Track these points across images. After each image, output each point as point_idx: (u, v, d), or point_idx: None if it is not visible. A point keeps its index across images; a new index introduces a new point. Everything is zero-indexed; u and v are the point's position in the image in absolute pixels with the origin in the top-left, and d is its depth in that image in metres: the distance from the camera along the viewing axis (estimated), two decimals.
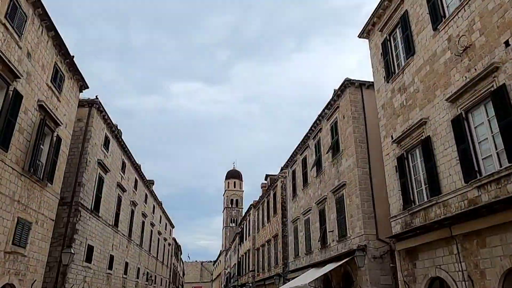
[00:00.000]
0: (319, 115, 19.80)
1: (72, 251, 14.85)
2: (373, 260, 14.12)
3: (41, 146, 12.69)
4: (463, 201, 9.05)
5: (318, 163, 19.93)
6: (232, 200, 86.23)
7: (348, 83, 16.73)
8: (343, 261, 14.78)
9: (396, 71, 12.70)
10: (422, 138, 10.85)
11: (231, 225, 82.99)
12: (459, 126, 9.32)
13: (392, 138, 12.53)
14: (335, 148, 17.78)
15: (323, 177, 19.07)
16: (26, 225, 11.75)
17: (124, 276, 23.92)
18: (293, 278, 21.64)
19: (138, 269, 27.98)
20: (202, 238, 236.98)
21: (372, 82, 16.11)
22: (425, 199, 10.61)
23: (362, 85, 16.73)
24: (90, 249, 17.76)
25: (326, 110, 19.01)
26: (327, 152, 18.64)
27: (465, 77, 9.20)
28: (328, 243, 17.70)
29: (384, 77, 13.45)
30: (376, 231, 14.49)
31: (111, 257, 21.10)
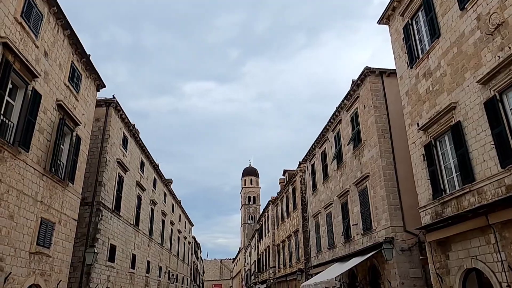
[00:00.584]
0: (338, 107, 19.37)
1: (96, 251, 14.85)
2: (401, 253, 13.68)
3: (61, 146, 12.65)
4: (500, 188, 8.57)
5: (338, 156, 19.52)
6: (249, 197, 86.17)
7: (368, 72, 16.26)
8: (370, 254, 14.38)
9: (420, 56, 12.20)
10: (452, 123, 10.36)
11: (249, 222, 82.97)
12: (493, 109, 8.82)
13: (418, 125, 12.05)
14: (356, 140, 17.35)
15: (344, 169, 18.65)
16: (49, 225, 11.74)
17: (147, 275, 23.97)
18: (316, 274, 21.31)
19: (160, 267, 28.05)
20: (220, 237, 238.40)
21: (393, 69, 15.64)
22: (457, 187, 10.14)
23: (383, 73, 16.24)
24: (112, 249, 17.77)
25: (345, 101, 18.56)
26: (347, 144, 18.21)
27: (498, 56, 8.70)
28: (352, 237, 17.32)
29: (407, 63, 12.96)
30: (403, 223, 14.05)
31: (133, 256, 21.12)
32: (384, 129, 15.47)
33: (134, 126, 21.03)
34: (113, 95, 17.97)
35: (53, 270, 12.02)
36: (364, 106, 16.66)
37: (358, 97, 17.26)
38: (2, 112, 9.29)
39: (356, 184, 17.02)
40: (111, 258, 17.62)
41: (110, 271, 17.40)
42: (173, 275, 33.20)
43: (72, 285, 14.59)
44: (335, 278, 14.46)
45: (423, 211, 11.76)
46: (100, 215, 16.32)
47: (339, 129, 19.68)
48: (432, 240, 11.06)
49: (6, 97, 9.52)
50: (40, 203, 11.24)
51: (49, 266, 11.80)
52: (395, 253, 13.55)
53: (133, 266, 20.95)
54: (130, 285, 20.42)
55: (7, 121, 9.65)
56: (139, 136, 22.09)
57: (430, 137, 11.41)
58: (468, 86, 9.80)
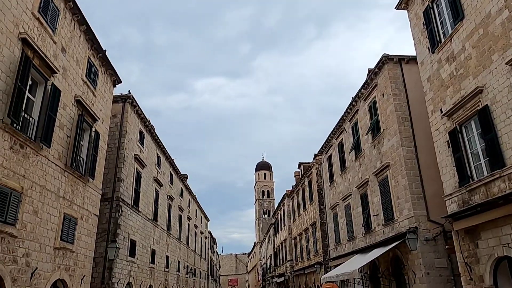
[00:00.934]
0: (355, 96, 19.08)
1: (118, 246, 14.91)
2: (426, 243, 13.42)
3: (81, 142, 12.68)
4: None
5: (356, 146, 19.24)
6: (263, 191, 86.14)
7: (386, 59, 15.92)
8: (392, 245, 14.14)
9: (442, 40, 11.84)
10: (479, 108, 10.03)
11: (263, 216, 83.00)
12: None
13: (442, 112, 11.73)
14: (375, 129, 17.06)
15: (363, 160, 18.38)
16: (72, 221, 11.79)
17: (166, 269, 24.10)
18: (336, 266, 21.13)
19: (179, 262, 28.19)
20: (234, 232, 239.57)
21: (412, 56, 15.33)
22: (486, 174, 9.83)
23: (401, 60, 15.88)
24: (133, 244, 17.86)
25: (362, 90, 18.25)
26: (366, 134, 17.92)
27: None
28: (373, 228, 17.08)
29: (429, 48, 12.60)
30: (427, 212, 13.78)
31: (153, 251, 21.23)
32: (404, 117, 15.15)
33: (149, 121, 21.04)
34: (128, 91, 18.00)
35: (77, 265, 12.10)
36: (383, 94, 16.33)
37: (376, 85, 16.94)
38: (23, 108, 9.30)
39: (376, 174, 16.75)
40: (132, 253, 17.71)
41: (131, 266, 17.51)
42: (191, 269, 33.39)
43: (95, 280, 14.69)
44: (358, 269, 14.24)
45: (449, 199, 11.47)
46: (120, 211, 16.38)
47: (357, 119, 19.38)
48: (460, 228, 10.78)
49: (27, 93, 9.53)
50: (62, 198, 11.29)
51: (73, 261, 11.88)
52: (419, 243, 13.28)
53: (153, 261, 21.07)
54: (151, 280, 20.55)
55: (28, 117, 9.68)
56: (155, 131, 22.09)
57: (455, 123, 11.09)
58: (496, 68, 9.45)
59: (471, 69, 10.40)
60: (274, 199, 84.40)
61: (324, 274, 23.45)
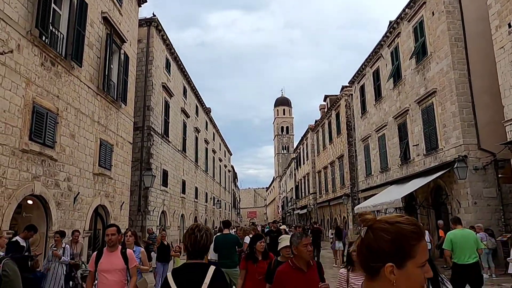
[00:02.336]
0: (397, 18, 17.41)
1: (153, 174, 14.72)
2: (474, 172, 12.72)
3: (111, 65, 11.89)
4: None
5: (396, 73, 17.95)
6: (282, 127, 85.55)
7: None
8: (437, 174, 13.53)
9: None
10: None
11: (282, 152, 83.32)
12: None
13: (510, 26, 10.37)
14: (420, 52, 15.67)
15: (403, 87, 17.21)
16: (108, 147, 11.40)
17: (196, 200, 24.42)
18: (365, 198, 20.92)
19: (206, 193, 28.58)
20: (250, 168, 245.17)
21: None
22: None
23: None
24: (165, 174, 17.75)
25: (406, 10, 16.57)
26: (410, 58, 16.54)
27: None
28: (411, 158, 16.40)
29: None
30: (478, 140, 12.91)
31: (183, 182, 21.27)
32: (458, 37, 13.70)
33: (175, 49, 19.92)
34: (153, 13, 16.74)
35: (115, 192, 11.94)
36: (433, 12, 14.72)
37: (424, 3, 15.26)
38: (50, 21, 8.42)
39: (418, 101, 15.69)
40: (164, 182, 17.66)
41: (165, 195, 17.55)
42: (218, 201, 34.08)
43: (131, 208, 14.72)
44: (400, 198, 13.82)
45: (510, 124, 10.51)
46: (152, 140, 16.01)
47: (397, 43, 17.87)
48: None
49: (53, 5, 8.59)
50: (97, 123, 10.79)
51: (112, 188, 11.69)
52: (468, 172, 12.59)
53: (183, 191, 21.20)
54: (182, 209, 20.82)
55: (56, 32, 8.84)
56: (180, 59, 21.04)
57: None
58: None
59: None
60: (293, 134, 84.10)
61: (353, 205, 23.45)
